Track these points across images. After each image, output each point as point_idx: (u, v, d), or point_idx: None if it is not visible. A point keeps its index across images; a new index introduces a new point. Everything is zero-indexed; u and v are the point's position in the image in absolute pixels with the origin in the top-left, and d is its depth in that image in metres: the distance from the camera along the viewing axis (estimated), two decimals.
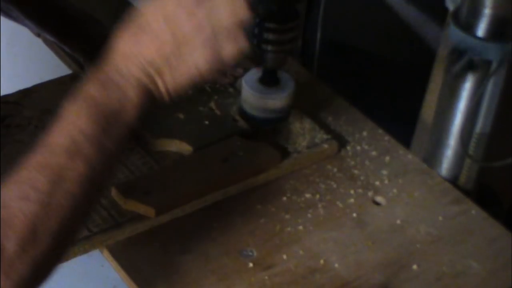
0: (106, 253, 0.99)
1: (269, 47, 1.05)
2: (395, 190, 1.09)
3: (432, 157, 1.18)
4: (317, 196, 1.08)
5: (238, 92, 1.19)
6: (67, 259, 0.97)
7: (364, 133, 1.18)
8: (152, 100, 0.80)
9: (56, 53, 1.26)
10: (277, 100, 1.10)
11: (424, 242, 1.02)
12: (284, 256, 0.99)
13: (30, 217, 0.72)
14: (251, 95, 1.10)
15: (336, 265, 0.99)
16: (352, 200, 1.07)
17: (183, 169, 1.06)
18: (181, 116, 1.14)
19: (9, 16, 1.18)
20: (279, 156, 1.09)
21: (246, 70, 1.14)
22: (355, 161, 1.13)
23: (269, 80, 1.10)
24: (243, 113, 1.13)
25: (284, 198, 1.07)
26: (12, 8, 1.16)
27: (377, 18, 1.51)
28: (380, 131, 1.19)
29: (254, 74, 1.11)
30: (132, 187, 1.03)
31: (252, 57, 1.09)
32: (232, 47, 0.79)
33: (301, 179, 1.10)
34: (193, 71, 0.79)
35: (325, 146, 1.13)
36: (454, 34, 1.09)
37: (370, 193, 1.09)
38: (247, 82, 1.11)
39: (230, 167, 1.06)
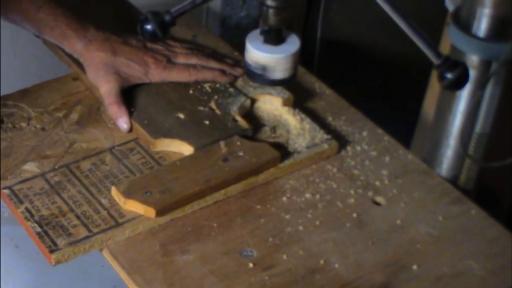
0: (106, 253, 0.99)
1: (272, 3, 1.03)
2: (395, 190, 1.09)
3: (432, 157, 1.18)
4: (317, 196, 1.08)
5: (238, 91, 1.19)
6: (67, 259, 0.97)
7: (364, 133, 1.18)
8: None
9: (56, 53, 1.26)
10: (282, 60, 1.08)
11: (424, 242, 1.02)
12: (284, 256, 0.99)
13: None
14: (255, 54, 1.08)
15: (336, 265, 0.99)
16: (352, 200, 1.07)
17: (183, 169, 1.06)
18: (181, 116, 1.14)
19: (8, 18, 1.18)
20: (279, 156, 1.09)
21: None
22: (355, 161, 1.13)
23: (274, 39, 1.08)
24: (248, 75, 1.10)
25: (284, 198, 1.07)
26: (11, 10, 1.16)
27: (377, 18, 1.51)
28: (380, 131, 1.19)
29: (258, 33, 1.09)
30: (132, 187, 1.03)
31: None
32: None
33: (301, 179, 1.10)
34: None
35: (325, 146, 1.13)
36: (454, 34, 1.09)
37: (370, 193, 1.09)
38: (251, 41, 1.09)
39: (230, 167, 1.06)
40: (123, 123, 1.13)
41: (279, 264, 0.98)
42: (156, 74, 1.18)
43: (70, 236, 0.98)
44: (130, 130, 1.13)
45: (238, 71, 1.21)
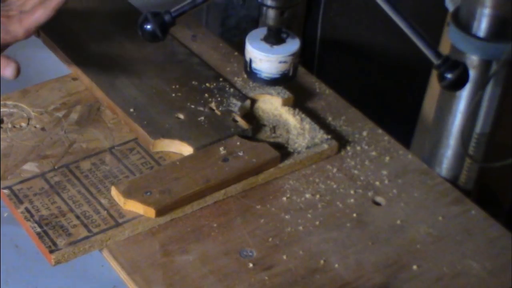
0: (106, 253, 0.99)
1: (272, 3, 1.03)
2: (395, 190, 1.09)
3: (432, 157, 1.19)
4: (317, 196, 1.08)
5: (238, 91, 1.19)
6: (67, 259, 0.97)
7: (364, 133, 1.18)
8: None
9: (56, 53, 1.26)
10: (282, 59, 1.08)
11: (424, 242, 1.02)
12: (284, 256, 0.99)
13: None
14: (255, 54, 1.08)
15: (336, 265, 0.99)
16: (352, 200, 1.07)
17: (183, 169, 1.06)
18: (181, 116, 1.14)
19: None
20: (279, 156, 1.09)
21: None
22: (355, 161, 1.13)
23: (274, 39, 1.08)
24: (248, 74, 1.11)
25: (284, 198, 1.07)
26: None
27: (377, 18, 1.51)
28: (380, 131, 1.19)
29: (258, 32, 1.10)
30: (132, 187, 1.03)
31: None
32: None
33: (301, 179, 1.10)
34: None
35: (325, 146, 1.13)
36: (454, 34, 1.09)
37: (370, 193, 1.09)
38: (251, 41, 1.09)
39: (230, 167, 1.06)
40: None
41: (279, 264, 0.98)
42: (17, 27, 1.09)
43: (70, 236, 0.98)
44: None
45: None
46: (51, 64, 1.31)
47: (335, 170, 1.12)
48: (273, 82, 1.10)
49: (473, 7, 1.06)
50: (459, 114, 1.13)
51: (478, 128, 1.13)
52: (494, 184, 1.28)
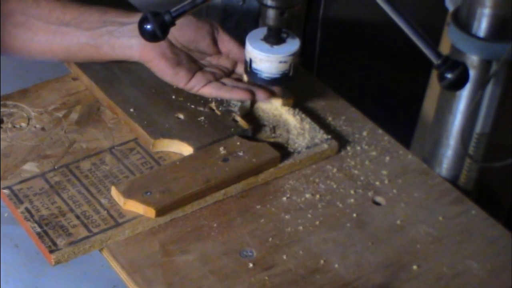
0: (106, 253, 0.99)
1: (272, 3, 1.03)
2: (395, 190, 1.09)
3: (432, 157, 1.18)
4: (317, 196, 1.08)
5: None
6: (67, 259, 0.97)
7: (364, 133, 1.18)
8: None
9: None
10: (282, 59, 1.08)
11: (424, 242, 1.02)
12: (284, 256, 0.99)
13: None
14: (255, 54, 1.08)
15: (336, 265, 0.99)
16: (352, 200, 1.07)
17: (183, 169, 1.06)
18: (181, 116, 1.14)
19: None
20: (279, 156, 1.09)
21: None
22: (355, 161, 1.13)
23: (274, 39, 1.08)
24: (248, 74, 1.11)
25: (284, 198, 1.07)
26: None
27: (377, 19, 1.51)
28: (380, 131, 1.19)
29: (258, 32, 1.10)
30: (132, 187, 1.03)
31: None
32: None
33: (301, 179, 1.10)
34: None
35: (325, 146, 1.13)
36: (454, 34, 1.09)
37: (370, 193, 1.09)
38: (251, 41, 1.09)
39: (230, 167, 1.07)
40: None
41: (279, 264, 0.98)
42: (194, 83, 1.15)
43: (70, 236, 0.98)
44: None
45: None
46: (51, 64, 1.31)
47: (335, 170, 1.12)
48: (273, 82, 1.10)
49: (473, 7, 1.06)
50: (459, 114, 1.13)
51: (478, 128, 1.13)
52: (494, 184, 1.28)
